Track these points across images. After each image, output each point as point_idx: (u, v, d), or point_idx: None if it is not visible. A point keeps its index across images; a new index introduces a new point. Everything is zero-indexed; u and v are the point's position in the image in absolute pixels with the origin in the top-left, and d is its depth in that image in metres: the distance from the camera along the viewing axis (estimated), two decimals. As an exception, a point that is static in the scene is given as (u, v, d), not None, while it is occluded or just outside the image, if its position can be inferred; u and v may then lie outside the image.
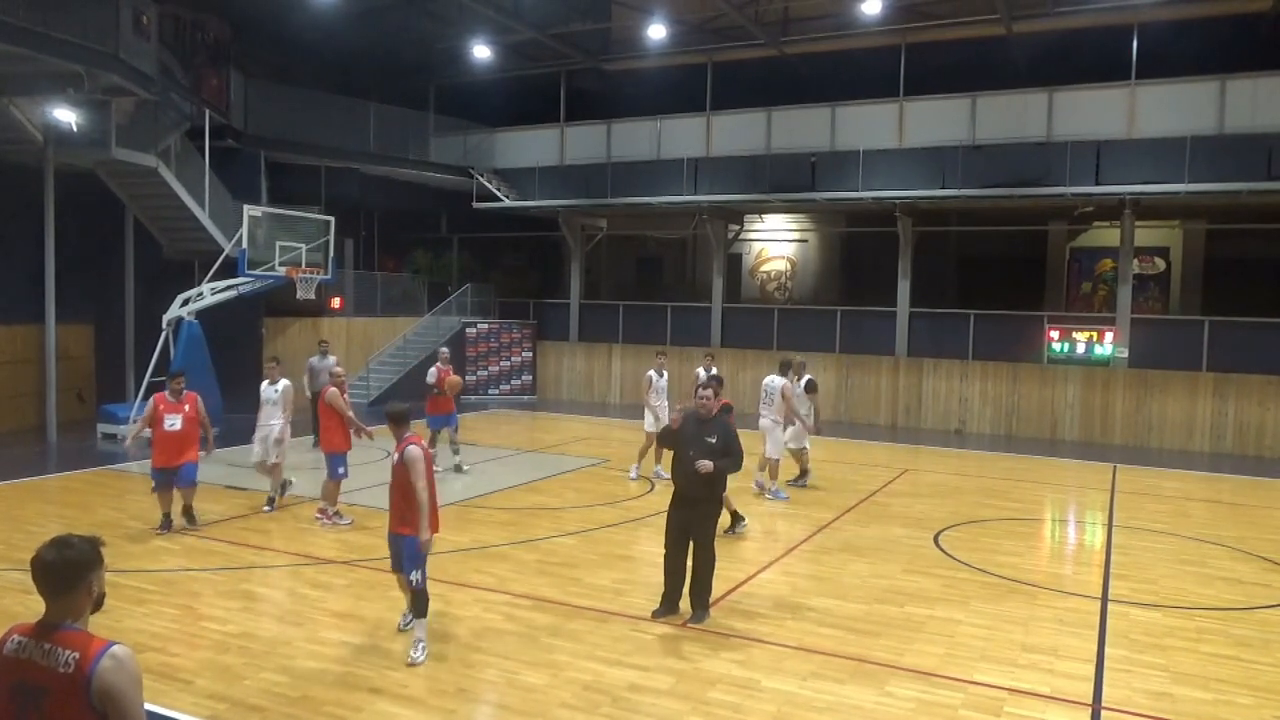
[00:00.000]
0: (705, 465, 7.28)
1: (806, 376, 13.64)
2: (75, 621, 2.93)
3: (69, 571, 2.91)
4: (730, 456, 7.51)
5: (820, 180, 20.86)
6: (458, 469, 13.83)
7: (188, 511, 10.29)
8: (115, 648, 2.88)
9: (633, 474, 13.81)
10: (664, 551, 7.69)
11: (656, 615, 7.60)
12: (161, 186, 17.02)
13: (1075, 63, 19.61)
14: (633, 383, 23.54)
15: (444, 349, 15.13)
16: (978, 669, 6.79)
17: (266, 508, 11.20)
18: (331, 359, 14.84)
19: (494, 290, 26.49)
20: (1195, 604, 8.50)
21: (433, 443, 13.67)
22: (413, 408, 6.32)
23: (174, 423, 10.02)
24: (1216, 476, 15.92)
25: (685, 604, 7.68)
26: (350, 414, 10.78)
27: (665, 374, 14.41)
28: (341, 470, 10.70)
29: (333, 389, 10.80)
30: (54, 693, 2.80)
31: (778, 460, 12.61)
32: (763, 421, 12.55)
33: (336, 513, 10.65)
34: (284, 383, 11.35)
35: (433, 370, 14.03)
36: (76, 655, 2.82)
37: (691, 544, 7.57)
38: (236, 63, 20.05)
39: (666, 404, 13.95)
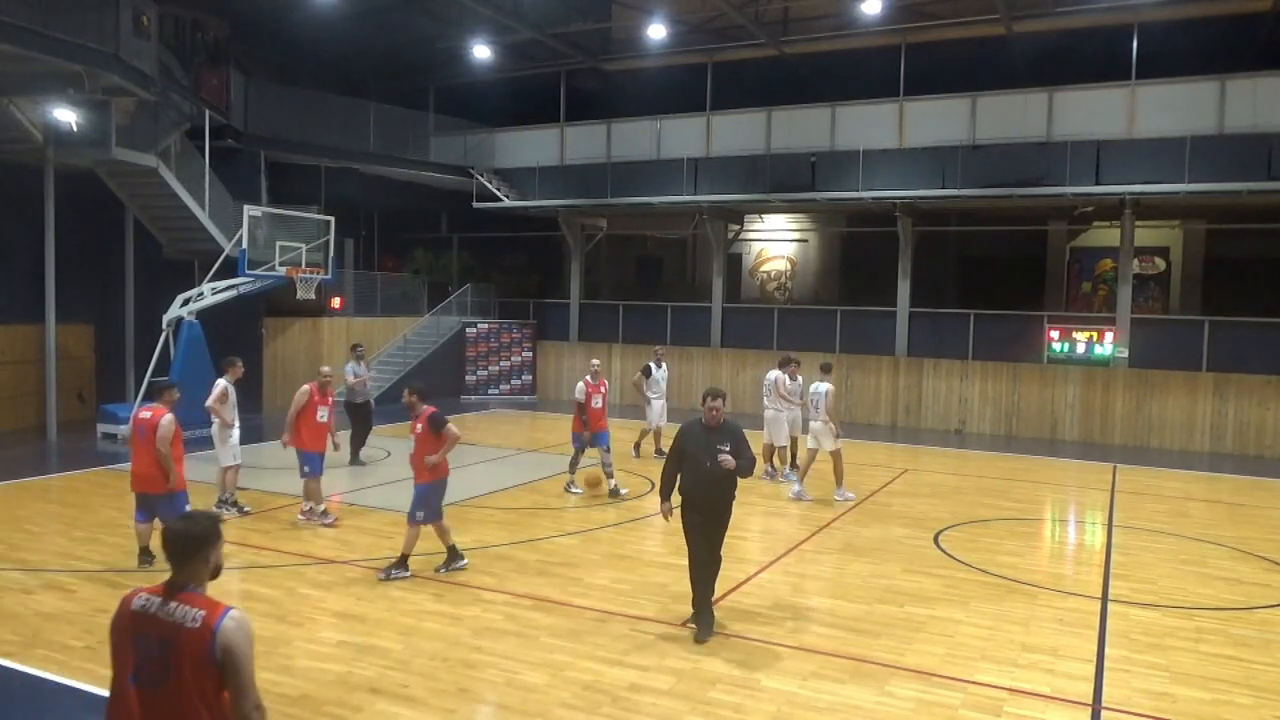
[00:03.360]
0: (728, 460, 7.08)
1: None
2: (196, 586, 3.31)
3: (194, 543, 3.33)
4: (744, 460, 7.28)
5: (820, 180, 20.86)
6: (613, 493, 12.37)
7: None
8: (234, 610, 3.27)
9: (805, 494, 12.61)
10: (689, 563, 7.37)
11: (691, 623, 7.39)
12: (161, 186, 17.02)
13: (1075, 63, 19.63)
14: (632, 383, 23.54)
15: (595, 361, 13.79)
16: (978, 669, 6.79)
17: (241, 511, 10.98)
18: (364, 365, 14.81)
19: (494, 290, 26.50)
20: (1195, 604, 8.49)
21: (574, 464, 12.75)
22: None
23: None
24: (1216, 476, 15.91)
25: (686, 608, 7.65)
26: (291, 414, 10.59)
27: (799, 380, 14.12)
28: (308, 469, 10.58)
29: (304, 387, 10.73)
30: (179, 645, 3.18)
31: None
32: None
33: (323, 511, 10.65)
34: None
35: (580, 385, 12.83)
36: (202, 614, 3.21)
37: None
38: (236, 63, 20.05)
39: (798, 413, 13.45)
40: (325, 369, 11.38)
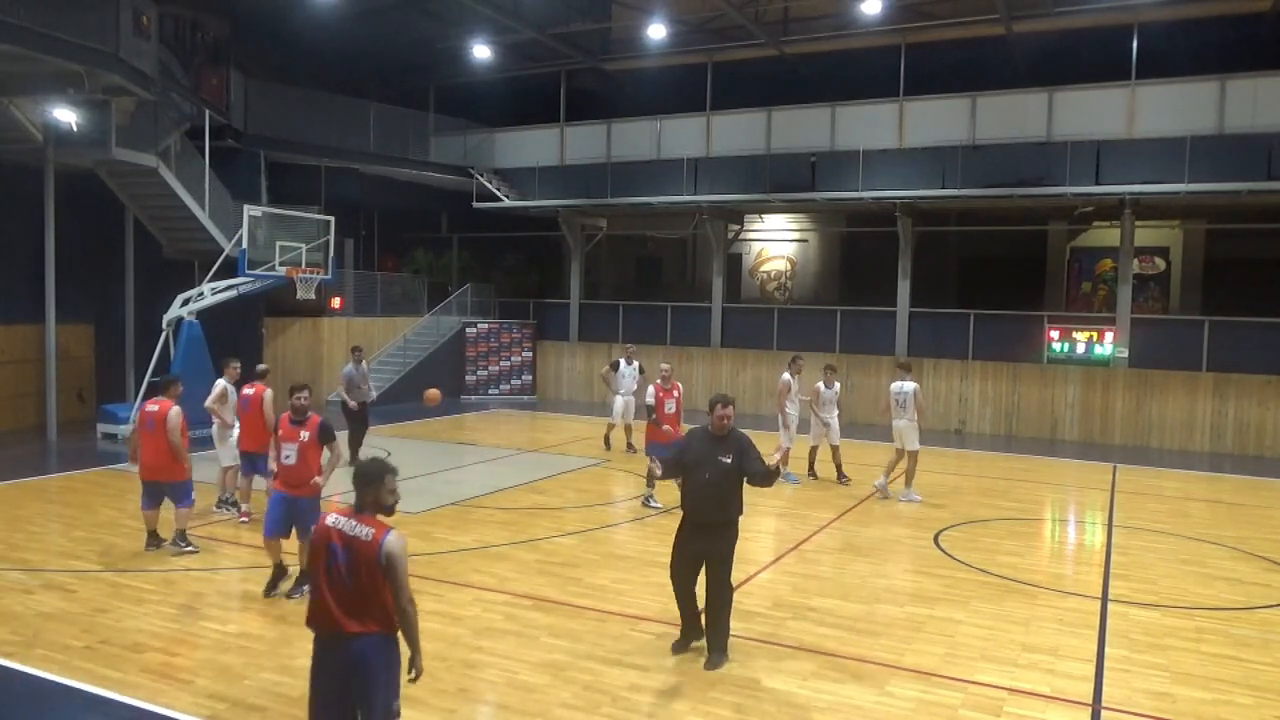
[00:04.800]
0: (773, 456, 6.62)
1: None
2: (372, 510, 4.44)
3: (367, 478, 4.47)
4: (756, 473, 6.66)
5: (820, 180, 20.86)
6: (645, 502, 11.94)
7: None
8: (395, 531, 4.41)
9: (904, 496, 12.66)
10: (671, 581, 6.94)
11: (677, 649, 6.95)
12: (161, 186, 17.01)
13: (1075, 63, 19.61)
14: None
15: (665, 365, 12.67)
16: (978, 669, 6.79)
17: (240, 510, 10.75)
18: (365, 365, 14.77)
19: (494, 290, 26.50)
20: (1195, 604, 8.50)
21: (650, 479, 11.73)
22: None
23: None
24: (1216, 476, 15.92)
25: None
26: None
27: (835, 386, 13.71)
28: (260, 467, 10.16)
29: (264, 394, 10.49)
30: (356, 552, 4.35)
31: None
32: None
33: (233, 503, 10.77)
34: None
35: (650, 389, 12.15)
36: (372, 531, 4.37)
37: (705, 575, 6.78)
38: (236, 63, 20.04)
39: (915, 421, 12.76)
40: (261, 366, 11.31)
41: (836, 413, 13.81)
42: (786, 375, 13.84)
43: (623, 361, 16.49)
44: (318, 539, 4.50)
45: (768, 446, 14.28)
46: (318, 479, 8.04)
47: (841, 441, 13.94)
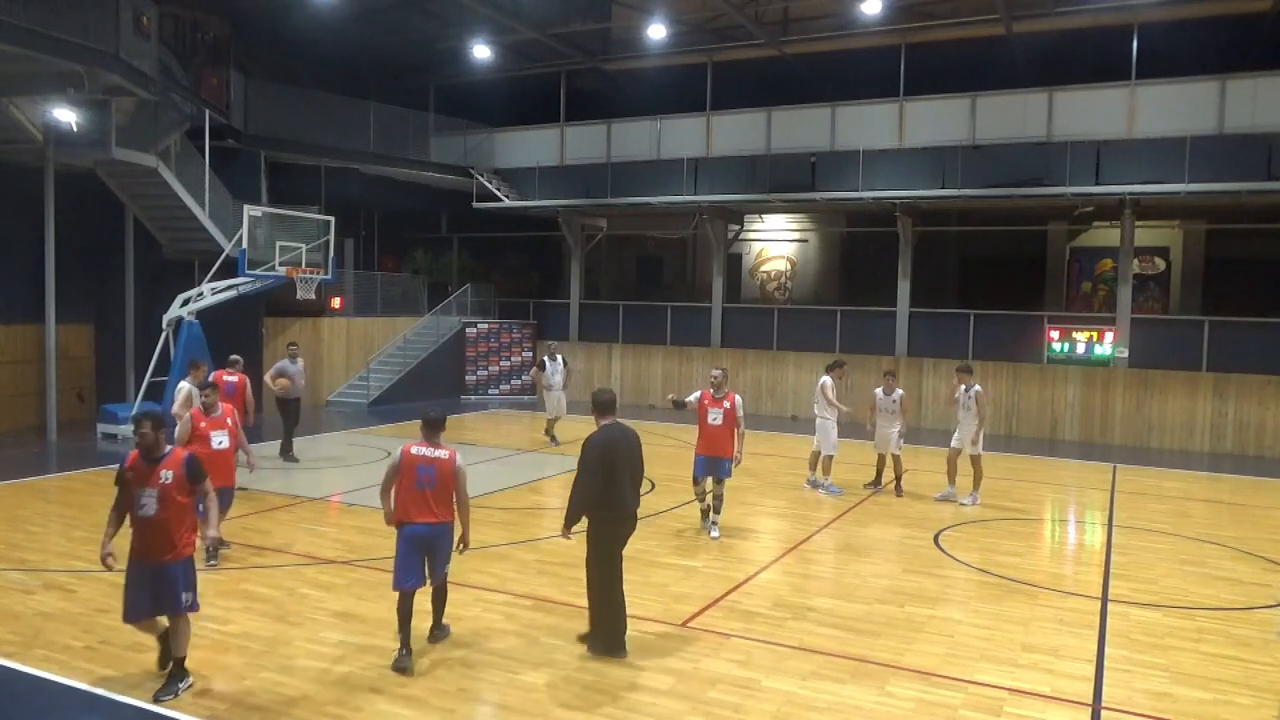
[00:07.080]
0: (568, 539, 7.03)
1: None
2: (439, 438, 6.66)
3: (439, 422, 6.68)
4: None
5: (820, 180, 20.87)
6: (710, 523, 10.46)
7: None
8: (458, 452, 6.67)
9: (968, 500, 12.47)
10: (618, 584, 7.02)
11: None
12: (161, 186, 17.01)
13: (1075, 63, 19.63)
14: (633, 383, 23.55)
15: (716, 370, 10.81)
16: (978, 669, 6.79)
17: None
18: (300, 362, 14.79)
19: (494, 290, 26.50)
20: (1195, 604, 8.50)
21: (701, 497, 10.59)
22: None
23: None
24: (1216, 476, 15.91)
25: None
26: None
27: (897, 394, 13.00)
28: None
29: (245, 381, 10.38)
30: (440, 466, 6.56)
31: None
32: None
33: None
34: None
35: (694, 395, 10.72)
36: (447, 451, 6.62)
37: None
38: (236, 63, 20.03)
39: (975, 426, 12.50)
40: (234, 357, 11.53)
41: (897, 422, 13.04)
42: (827, 378, 13.03)
43: (547, 359, 17.18)
44: (407, 463, 6.50)
45: (770, 448, 14.28)
46: (194, 538, 6.09)
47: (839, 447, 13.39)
